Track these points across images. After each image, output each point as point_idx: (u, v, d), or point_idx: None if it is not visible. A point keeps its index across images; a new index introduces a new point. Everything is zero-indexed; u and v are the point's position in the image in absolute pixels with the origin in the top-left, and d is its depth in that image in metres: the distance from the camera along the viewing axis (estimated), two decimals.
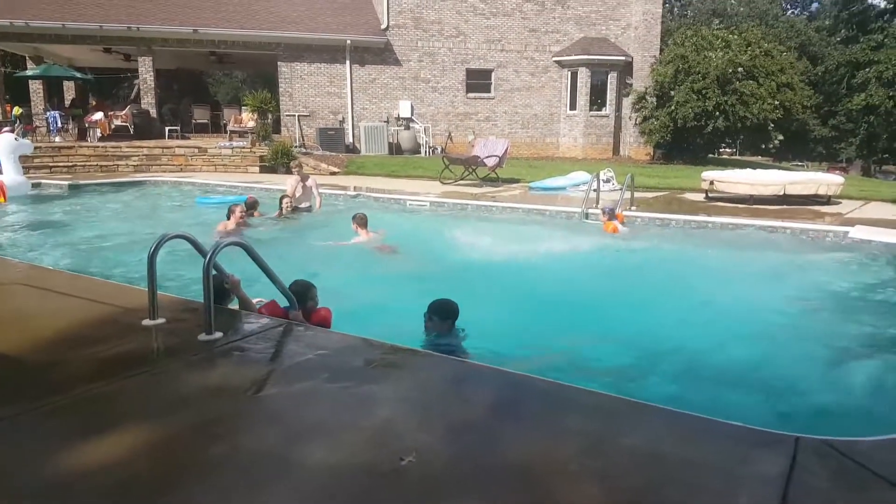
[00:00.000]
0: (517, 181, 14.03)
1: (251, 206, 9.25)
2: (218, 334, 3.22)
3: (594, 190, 9.87)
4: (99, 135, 17.55)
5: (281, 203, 9.43)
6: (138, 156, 15.92)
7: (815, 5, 57.09)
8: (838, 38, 42.47)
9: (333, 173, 15.76)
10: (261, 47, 19.75)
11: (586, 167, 15.09)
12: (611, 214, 8.81)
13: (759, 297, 5.75)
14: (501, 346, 4.33)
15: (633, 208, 9.75)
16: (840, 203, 10.89)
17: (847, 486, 2.23)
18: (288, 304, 3.89)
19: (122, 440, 2.30)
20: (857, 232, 5.81)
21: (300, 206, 10.05)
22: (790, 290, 5.95)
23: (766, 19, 49.54)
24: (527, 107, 21.73)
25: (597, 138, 21.65)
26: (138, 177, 14.20)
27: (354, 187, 12.68)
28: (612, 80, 21.36)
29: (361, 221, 8.05)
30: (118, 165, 15.57)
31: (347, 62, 20.05)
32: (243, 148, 16.69)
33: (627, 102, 21.60)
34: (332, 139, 19.13)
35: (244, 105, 19.26)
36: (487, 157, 13.33)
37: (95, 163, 15.50)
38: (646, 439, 2.44)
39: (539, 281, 6.28)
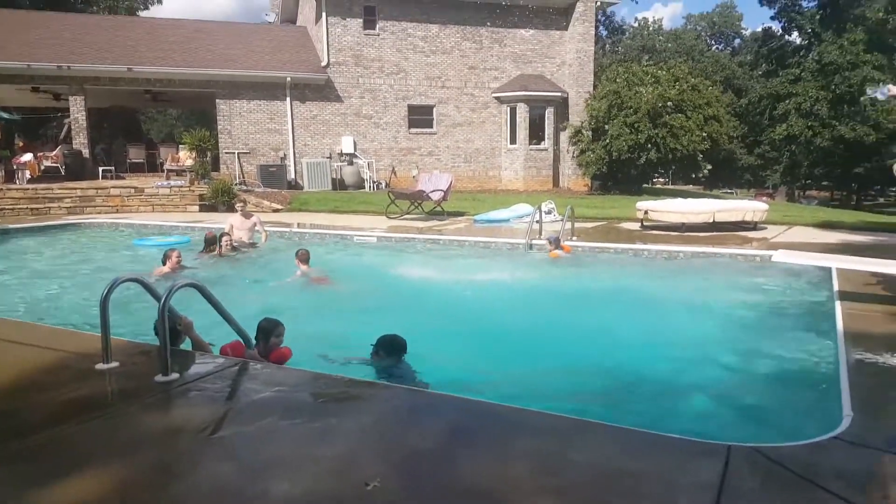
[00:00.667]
0: (462, 214, 14.31)
1: (210, 241, 9.27)
2: (174, 375, 3.23)
3: (537, 221, 10.20)
4: (28, 176, 16.93)
5: (220, 241, 9.27)
6: (71, 197, 15.42)
7: (737, 41, 61.03)
8: (760, 72, 45.39)
9: (276, 210, 15.68)
10: (198, 85, 19.58)
11: (528, 199, 15.54)
12: (556, 244, 9.16)
13: (692, 318, 6.10)
14: (454, 374, 4.46)
15: (574, 238, 10.11)
16: (766, 228, 11.58)
17: (776, 488, 2.45)
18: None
19: (82, 484, 2.30)
20: (780, 256, 6.25)
21: (244, 243, 9.98)
22: (720, 311, 6.33)
23: (692, 55, 52.64)
24: (468, 141, 22.25)
25: (537, 171, 22.31)
26: (72, 219, 13.73)
27: (298, 224, 12.66)
28: (549, 114, 22.16)
29: (304, 257, 8.17)
30: (50, 208, 15.02)
31: (288, 99, 20.11)
32: (182, 187, 16.41)
33: (565, 136, 22.42)
34: (273, 176, 19.03)
35: (182, 143, 18.99)
36: (432, 191, 13.59)
37: (25, 205, 14.91)
38: (593, 455, 2.61)
39: (487, 310, 6.46)
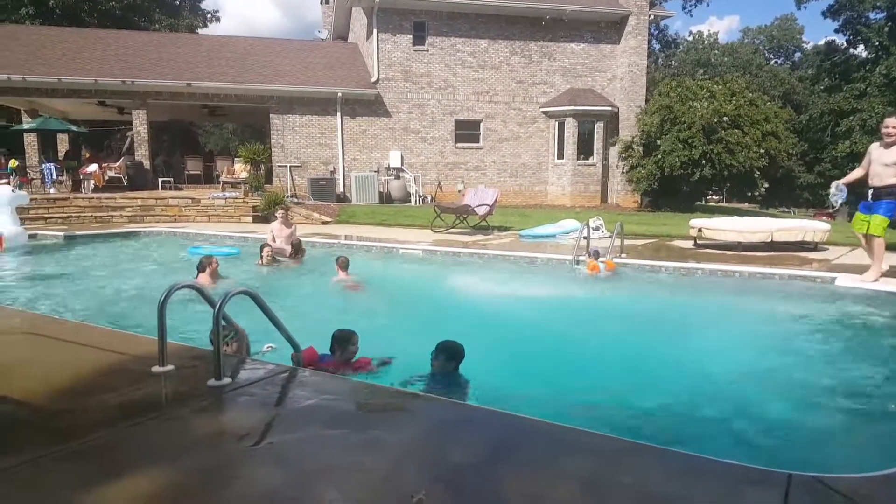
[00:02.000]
0: (508, 229, 14.27)
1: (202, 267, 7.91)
2: (226, 380, 3.30)
3: (584, 237, 10.07)
4: (93, 186, 17.74)
5: (261, 252, 9.26)
6: (132, 207, 16.08)
7: (797, 55, 59.34)
8: (822, 87, 43.97)
9: (325, 223, 15.96)
10: (253, 100, 20.21)
11: (575, 215, 15.38)
12: (596, 256, 9.06)
13: (749, 340, 5.88)
14: (494, 388, 4.41)
15: (624, 255, 9.93)
16: (827, 249, 11.13)
17: None
18: (325, 352, 4.10)
19: (136, 484, 2.36)
20: (845, 279, 5.98)
21: (283, 251, 9.88)
22: (779, 334, 6.09)
23: (749, 69, 51.42)
24: (515, 156, 22.23)
25: (584, 186, 22.09)
26: (132, 227, 14.31)
27: (346, 236, 12.85)
28: (598, 129, 21.95)
29: (343, 264, 8.34)
30: (112, 216, 15.69)
31: (339, 114, 20.54)
32: (236, 198, 16.91)
33: (614, 151, 22.14)
34: (323, 189, 19.42)
35: (237, 156, 19.59)
36: (478, 205, 13.60)
37: (90, 214, 15.62)
38: (641, 478, 2.52)
39: (530, 325, 6.39)
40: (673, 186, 20.89)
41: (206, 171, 21.79)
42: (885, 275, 6.46)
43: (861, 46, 40.24)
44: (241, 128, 41.49)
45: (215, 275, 7.87)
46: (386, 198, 20.59)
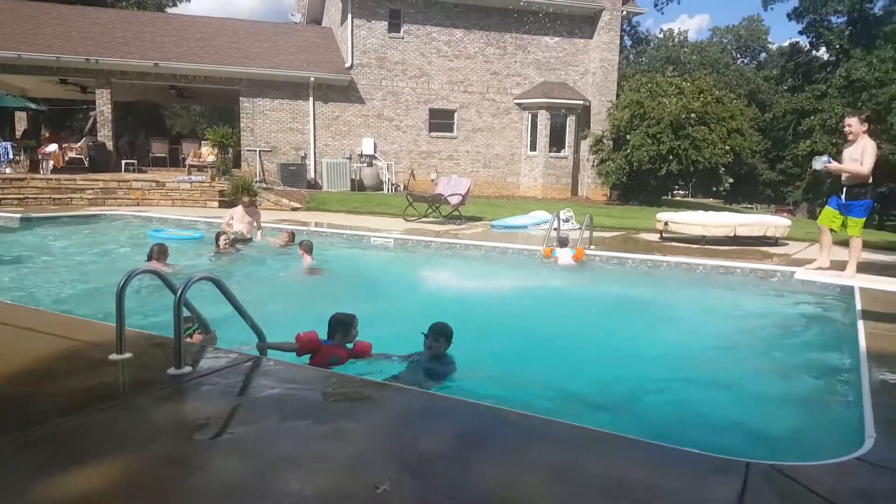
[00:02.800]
0: (480, 219, 14.28)
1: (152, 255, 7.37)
2: (187, 368, 3.22)
3: (554, 229, 10.13)
4: (52, 167, 17.19)
5: (217, 240, 8.88)
6: (93, 189, 15.64)
7: (763, 55, 60.43)
8: (785, 87, 44.91)
9: (295, 209, 15.76)
10: (223, 82, 19.81)
11: (546, 206, 15.47)
12: (564, 243, 9.20)
13: (710, 332, 6.00)
14: (467, 378, 4.41)
15: (592, 247, 10.02)
16: (787, 244, 11.41)
17: None
18: (325, 338, 4.21)
19: (95, 473, 2.29)
20: (803, 273, 6.13)
21: (242, 236, 9.86)
22: (739, 326, 6.22)
23: (717, 67, 52.20)
24: (489, 147, 22.24)
25: (556, 179, 22.23)
26: (93, 210, 13.92)
27: (316, 223, 12.71)
28: (570, 122, 22.08)
29: (307, 248, 8.31)
30: (72, 198, 15.24)
31: (311, 99, 20.26)
32: (202, 182, 16.57)
33: (585, 145, 22.32)
34: (293, 175, 19.17)
35: (205, 139, 19.19)
36: (451, 195, 13.57)
37: (48, 195, 15.15)
38: (608, 467, 2.55)
39: (500, 315, 6.41)
40: (641, 180, 21.16)
41: (172, 154, 21.28)
42: (825, 268, 6.64)
43: (823, 49, 41.22)
44: (210, 110, 40.69)
45: (164, 260, 7.48)
46: (358, 185, 20.43)
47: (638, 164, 20.17)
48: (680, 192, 38.19)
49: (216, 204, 15.65)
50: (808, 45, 42.52)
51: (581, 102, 22.13)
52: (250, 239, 10.11)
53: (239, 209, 10.35)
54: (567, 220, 12.69)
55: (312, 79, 19.96)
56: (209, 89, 20.96)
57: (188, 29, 21.82)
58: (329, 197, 17.25)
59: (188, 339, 4.38)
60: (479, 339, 5.49)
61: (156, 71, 18.88)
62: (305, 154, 20.44)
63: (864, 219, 5.85)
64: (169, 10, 35.32)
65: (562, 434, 2.87)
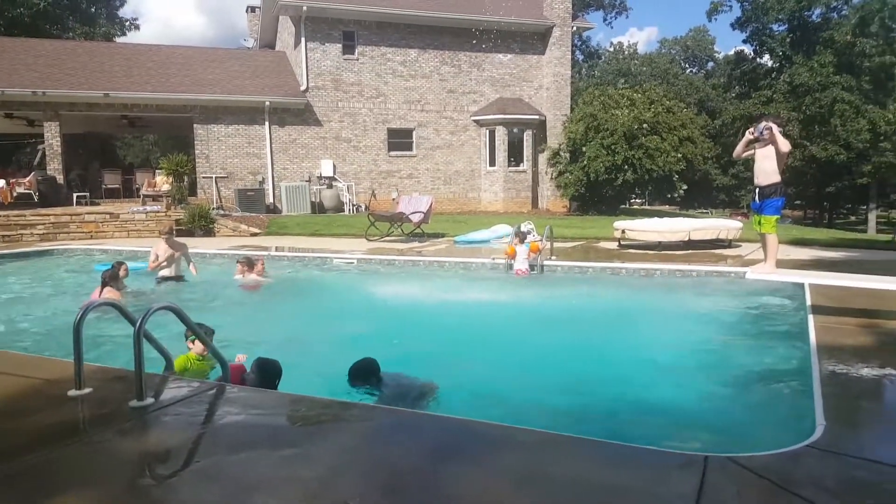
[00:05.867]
0: (442, 235, 14.37)
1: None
2: (149, 400, 3.19)
3: (515, 244, 10.25)
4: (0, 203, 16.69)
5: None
6: (44, 224, 15.22)
7: (710, 64, 62.49)
8: (733, 94, 46.50)
9: (254, 234, 15.60)
10: (176, 110, 19.58)
11: (508, 220, 15.65)
12: (522, 238, 9.47)
13: (668, 334, 6.16)
14: (441, 392, 4.45)
15: (553, 257, 10.19)
16: (740, 246, 11.76)
17: (753, 497, 2.48)
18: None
19: None
20: (753, 273, 6.36)
21: (169, 275, 8.81)
22: (696, 327, 6.41)
23: (667, 78, 53.81)
24: (448, 164, 22.43)
25: (516, 192, 22.52)
26: (44, 245, 13.54)
27: (277, 247, 12.60)
28: (527, 137, 22.45)
29: (249, 263, 8.29)
30: (22, 234, 14.80)
31: (267, 123, 20.16)
32: (157, 212, 16.30)
33: (543, 158, 22.70)
34: (251, 200, 18.99)
35: (159, 168, 18.89)
36: (412, 213, 13.63)
37: None
38: (574, 469, 2.62)
39: (465, 328, 6.48)
40: (599, 191, 21.59)
41: (126, 185, 20.84)
42: (778, 266, 6.90)
43: (767, 56, 42.90)
44: (164, 139, 40.04)
45: (120, 285, 7.24)
46: (318, 207, 20.34)
47: (595, 175, 20.58)
48: (637, 200, 39.03)
49: (174, 234, 15.37)
50: (752, 53, 44.21)
51: (537, 117, 22.54)
52: (181, 277, 9.00)
53: (161, 243, 8.99)
54: (529, 233, 12.84)
55: (268, 103, 19.89)
56: (162, 118, 20.68)
57: (138, 58, 21.54)
58: (289, 221, 17.13)
59: (190, 345, 4.34)
60: (445, 353, 5.54)
61: (106, 101, 18.57)
62: (263, 179, 20.29)
63: (777, 216, 6.11)
64: (118, 39, 34.84)
65: (528, 441, 2.93)
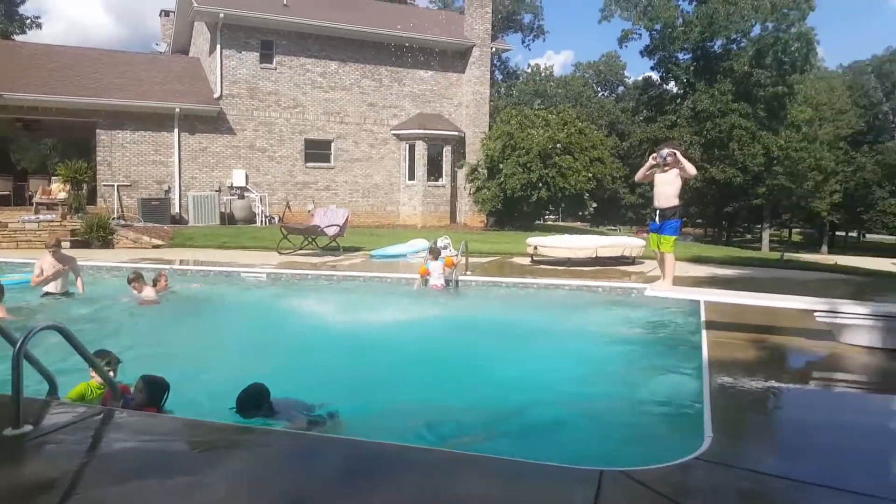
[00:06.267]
0: (359, 249, 14.22)
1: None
2: (27, 427, 2.95)
3: (430, 259, 10.29)
4: None
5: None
6: None
7: (621, 89, 65.50)
8: (641, 118, 48.86)
9: (157, 246, 14.82)
10: (78, 114, 18.47)
11: (426, 235, 15.71)
12: (437, 254, 9.55)
13: (572, 349, 6.36)
14: (343, 412, 4.37)
15: (468, 273, 10.30)
16: (643, 263, 12.33)
17: None
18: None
19: None
20: (652, 290, 6.68)
21: (55, 291, 8.27)
22: (598, 342, 6.65)
23: (580, 100, 55.94)
24: (367, 177, 22.30)
25: (435, 207, 22.66)
26: None
27: (181, 261, 12.06)
28: (447, 153, 22.69)
29: (141, 279, 7.96)
30: None
31: (176, 130, 19.37)
32: (52, 221, 15.23)
33: (462, 174, 23.00)
34: (156, 210, 18.13)
35: (56, 175, 17.72)
36: (328, 226, 13.41)
37: None
38: (475, 486, 2.64)
39: (377, 345, 6.42)
40: (515, 207, 22.08)
41: (18, 192, 19.35)
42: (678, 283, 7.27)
43: (672, 83, 45.43)
44: (64, 144, 37.62)
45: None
46: (229, 219, 19.66)
47: (511, 192, 21.04)
48: (551, 216, 40.19)
49: (68, 245, 14.41)
50: (659, 80, 46.63)
51: (456, 133, 22.84)
52: (68, 294, 8.41)
53: (47, 257, 8.40)
54: (445, 248, 12.96)
55: (178, 109, 19.10)
56: (63, 122, 19.43)
57: (39, 58, 20.16)
58: (196, 232, 16.42)
59: (93, 373, 4.03)
60: (355, 372, 5.47)
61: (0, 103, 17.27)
62: (170, 188, 19.42)
63: (675, 237, 6.44)
64: (17, 37, 32.56)
65: (428, 460, 2.93)
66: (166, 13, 27.10)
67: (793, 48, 37.93)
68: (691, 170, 6.22)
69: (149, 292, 8.16)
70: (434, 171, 22.70)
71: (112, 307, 8.17)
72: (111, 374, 4.10)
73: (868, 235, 64.97)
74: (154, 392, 3.88)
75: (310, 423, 3.98)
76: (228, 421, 3.68)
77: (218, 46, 19.74)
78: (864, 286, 10.27)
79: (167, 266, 10.92)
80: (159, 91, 19.74)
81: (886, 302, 7.15)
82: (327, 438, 3.18)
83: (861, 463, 3.18)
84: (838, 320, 5.67)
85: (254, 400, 3.96)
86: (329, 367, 5.58)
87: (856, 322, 5.59)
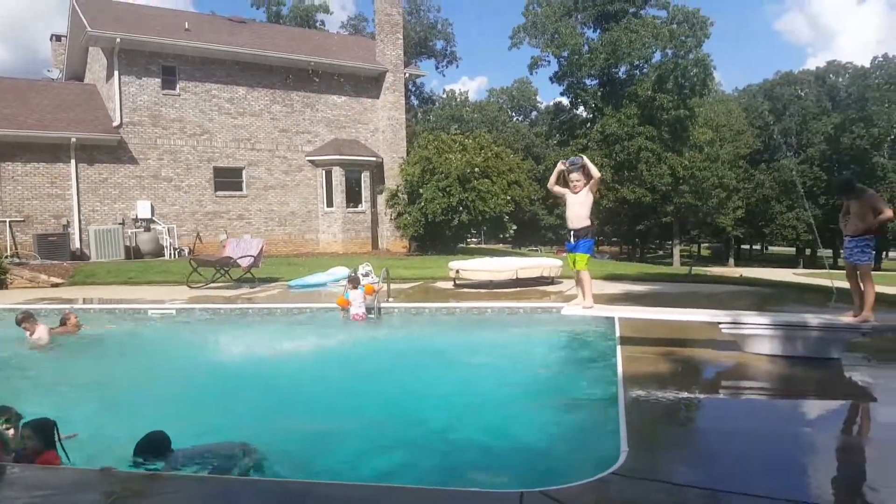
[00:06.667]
0: (276, 280, 13.77)
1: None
2: None
3: (350, 287, 10.08)
4: None
5: None
6: None
7: (534, 114, 67.65)
8: (554, 142, 50.53)
9: (56, 285, 13.82)
10: None
11: (347, 262, 15.43)
12: (356, 283, 9.40)
13: (495, 372, 6.35)
14: (260, 451, 4.11)
15: (391, 299, 10.15)
16: (562, 282, 12.57)
17: None
18: None
19: None
20: (568, 309, 6.79)
21: None
22: (519, 363, 6.68)
23: (496, 125, 57.36)
24: (283, 204, 21.80)
25: (356, 233, 22.41)
26: None
27: (84, 299, 11.28)
28: (365, 178, 22.56)
29: (27, 320, 7.41)
30: None
31: (73, 161, 18.28)
32: None
33: (382, 199, 22.90)
34: (53, 246, 16.99)
35: None
36: (241, 257, 12.92)
37: None
38: None
39: (296, 380, 6.18)
40: (437, 231, 22.17)
41: None
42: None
43: (581, 107, 47.35)
44: None
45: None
46: (134, 252, 18.65)
47: (432, 216, 21.12)
48: (473, 239, 40.68)
49: None
50: (569, 104, 48.46)
51: (374, 159, 22.76)
52: None
53: None
54: (367, 275, 12.75)
55: (74, 139, 18.04)
56: None
57: None
58: (99, 268, 15.43)
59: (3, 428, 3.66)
60: (273, 408, 5.21)
61: None
62: (68, 222, 18.25)
63: (588, 255, 6.63)
64: None
65: (352, 496, 2.78)
66: (58, 38, 25.74)
67: (691, 73, 40.41)
68: (596, 172, 6.44)
69: (41, 333, 7.53)
70: (353, 197, 22.49)
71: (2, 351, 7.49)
72: (10, 432, 3.76)
73: (770, 248, 69.73)
74: (44, 434, 3.59)
75: (220, 468, 3.72)
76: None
77: (116, 72, 18.88)
78: (767, 297, 10.86)
79: (68, 305, 10.19)
80: (53, 120, 18.62)
81: (787, 312, 7.61)
82: (241, 481, 2.96)
83: (769, 467, 3.28)
84: (742, 331, 5.96)
85: (151, 448, 3.67)
86: (244, 404, 5.29)
87: (758, 332, 5.88)
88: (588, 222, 6.53)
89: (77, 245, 18.08)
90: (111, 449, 4.18)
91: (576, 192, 6.52)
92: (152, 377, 6.44)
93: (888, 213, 5.72)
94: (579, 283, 6.80)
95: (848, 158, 49.87)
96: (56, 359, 7.30)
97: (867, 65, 53.62)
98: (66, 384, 6.24)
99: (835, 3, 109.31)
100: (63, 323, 8.12)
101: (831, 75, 55.98)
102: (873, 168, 47.35)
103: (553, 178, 6.63)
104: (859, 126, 49.08)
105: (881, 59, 52.83)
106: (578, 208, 6.51)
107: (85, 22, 18.64)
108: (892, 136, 51.28)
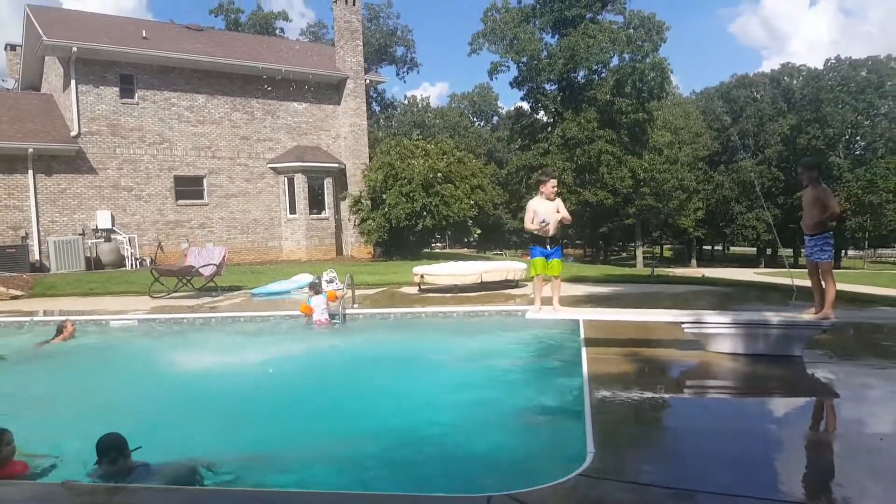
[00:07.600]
0: (239, 288, 13.60)
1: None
2: None
3: (314, 294, 10.04)
4: None
5: None
6: None
7: (496, 119, 68.05)
8: (516, 146, 50.89)
9: (15, 297, 13.42)
10: None
11: (311, 269, 15.34)
12: (317, 288, 9.35)
13: (460, 376, 6.39)
14: (223, 460, 4.09)
15: (355, 306, 10.13)
16: (526, 285, 12.69)
17: None
18: None
19: None
20: (531, 313, 6.90)
21: None
22: (485, 367, 6.72)
23: (458, 130, 57.54)
24: (245, 212, 21.54)
25: (319, 240, 22.26)
26: None
27: (45, 311, 10.99)
28: (328, 185, 22.43)
29: None
30: None
31: (30, 172, 17.80)
32: None
33: (345, 205, 22.80)
34: (12, 258, 16.52)
35: None
36: (204, 266, 12.75)
37: None
38: None
39: (259, 387, 6.14)
40: (401, 236, 22.18)
41: None
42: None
43: (542, 112, 47.83)
44: None
45: None
46: (95, 263, 18.21)
47: (396, 222, 21.12)
48: (438, 244, 40.77)
49: None
50: (529, 109, 48.89)
51: (336, 165, 22.66)
52: None
53: None
54: (331, 282, 12.69)
55: (31, 150, 17.56)
56: None
57: None
58: (59, 280, 15.05)
59: None
60: (238, 418, 5.17)
61: None
62: (27, 234, 17.73)
63: (562, 259, 6.85)
64: None
65: (311, 503, 2.80)
66: (12, 47, 25.05)
67: (649, 77, 41.16)
68: (568, 219, 6.82)
69: None
70: (316, 203, 22.35)
71: None
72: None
73: (732, 248, 71.41)
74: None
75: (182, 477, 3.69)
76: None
77: (73, 82, 18.44)
78: (729, 296, 11.15)
79: (28, 319, 9.93)
80: (8, 130, 18.10)
81: (748, 310, 7.82)
82: (208, 491, 2.95)
83: (733, 465, 3.39)
84: (704, 330, 6.12)
85: (109, 449, 3.58)
86: (206, 414, 5.24)
87: (720, 331, 6.04)
88: (559, 230, 6.78)
89: (36, 257, 17.59)
90: (66, 462, 4.10)
91: (550, 201, 6.75)
92: (106, 390, 6.31)
93: (833, 209, 5.94)
94: (553, 287, 6.97)
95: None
96: (9, 372, 7.09)
97: (820, 66, 55.27)
98: (23, 395, 6.08)
99: (786, 6, 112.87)
100: (60, 332, 8.19)
101: (786, 77, 57.53)
102: (829, 168, 48.89)
103: (533, 228, 6.85)
104: (814, 127, 50.62)
105: (834, 61, 54.51)
106: (554, 216, 6.72)
107: (40, 31, 18.19)
108: (847, 137, 53.17)
